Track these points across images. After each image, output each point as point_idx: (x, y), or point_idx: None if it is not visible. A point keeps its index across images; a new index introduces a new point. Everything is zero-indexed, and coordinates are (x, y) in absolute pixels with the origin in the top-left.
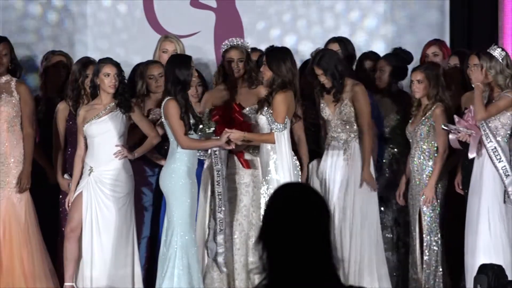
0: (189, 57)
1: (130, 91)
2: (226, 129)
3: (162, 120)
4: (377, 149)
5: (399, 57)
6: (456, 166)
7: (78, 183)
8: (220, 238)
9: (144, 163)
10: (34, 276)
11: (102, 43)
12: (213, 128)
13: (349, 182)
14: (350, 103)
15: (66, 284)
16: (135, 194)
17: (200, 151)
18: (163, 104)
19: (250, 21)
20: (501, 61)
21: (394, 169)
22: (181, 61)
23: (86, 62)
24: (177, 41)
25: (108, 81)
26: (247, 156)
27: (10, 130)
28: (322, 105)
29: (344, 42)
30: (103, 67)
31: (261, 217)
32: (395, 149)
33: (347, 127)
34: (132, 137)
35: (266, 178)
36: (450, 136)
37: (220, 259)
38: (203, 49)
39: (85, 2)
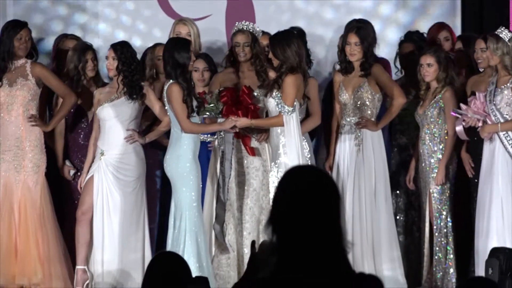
0: (188, 41)
1: (137, 75)
2: (231, 117)
3: (165, 104)
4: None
5: (416, 40)
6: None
7: (90, 166)
8: (227, 216)
9: (157, 145)
10: (49, 260)
11: (112, 27)
12: (220, 109)
13: (361, 166)
14: (367, 85)
15: (78, 267)
16: (149, 178)
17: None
18: (165, 88)
19: (261, 3)
20: (508, 42)
21: (410, 153)
22: (179, 44)
23: (82, 47)
24: (191, 24)
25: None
26: (254, 144)
27: (26, 114)
28: (340, 87)
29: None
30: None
31: (271, 201)
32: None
33: (361, 111)
34: (143, 121)
35: (276, 161)
36: (457, 128)
37: (227, 239)
38: (214, 33)
39: None
